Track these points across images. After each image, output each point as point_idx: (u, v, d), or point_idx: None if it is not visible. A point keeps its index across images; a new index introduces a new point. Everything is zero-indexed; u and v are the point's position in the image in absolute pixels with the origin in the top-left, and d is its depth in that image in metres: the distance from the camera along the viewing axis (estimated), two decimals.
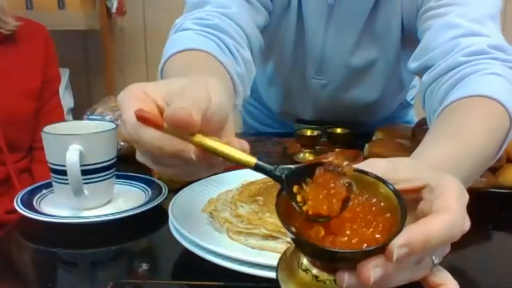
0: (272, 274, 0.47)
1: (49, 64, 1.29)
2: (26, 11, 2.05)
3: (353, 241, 0.36)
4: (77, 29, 2.17)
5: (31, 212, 0.65)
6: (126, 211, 0.65)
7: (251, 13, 0.81)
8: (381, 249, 0.34)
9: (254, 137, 1.13)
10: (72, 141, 0.65)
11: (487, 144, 0.57)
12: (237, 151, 0.41)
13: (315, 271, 0.38)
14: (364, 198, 0.38)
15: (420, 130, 0.92)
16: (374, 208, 0.38)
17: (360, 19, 0.91)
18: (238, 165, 0.41)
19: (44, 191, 0.74)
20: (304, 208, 0.38)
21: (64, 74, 2.13)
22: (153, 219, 0.67)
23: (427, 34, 0.77)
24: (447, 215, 0.36)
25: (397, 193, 0.37)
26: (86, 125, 0.73)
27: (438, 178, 0.39)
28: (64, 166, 0.64)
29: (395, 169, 0.40)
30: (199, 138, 0.40)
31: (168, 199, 0.65)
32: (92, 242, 0.63)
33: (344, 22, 0.92)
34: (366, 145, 0.91)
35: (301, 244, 0.37)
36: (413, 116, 1.25)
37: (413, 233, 0.34)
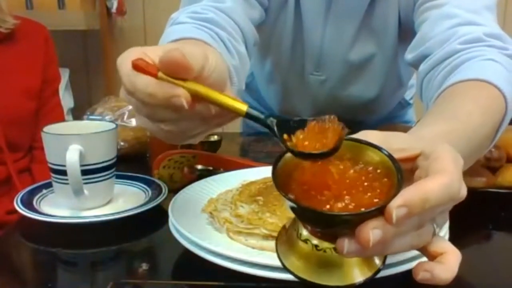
0: (272, 274, 0.47)
1: (49, 64, 1.29)
2: (26, 11, 2.05)
3: (351, 206, 0.35)
4: (77, 29, 2.17)
5: (31, 212, 0.65)
6: (126, 211, 0.65)
7: (246, 8, 0.82)
8: (380, 211, 0.34)
9: (254, 137, 1.13)
10: (72, 141, 0.65)
11: (482, 125, 0.57)
12: (229, 98, 0.41)
13: (315, 241, 0.38)
14: (359, 167, 0.38)
15: None
16: (370, 174, 0.37)
17: (358, 14, 0.91)
18: (228, 111, 0.42)
19: (44, 191, 0.74)
20: (289, 144, 0.39)
21: (64, 74, 2.14)
22: (153, 219, 0.67)
23: (424, 25, 0.78)
24: (443, 175, 0.36)
25: (392, 157, 0.37)
26: (86, 125, 0.73)
27: (432, 145, 0.39)
28: (64, 166, 0.64)
29: (388, 141, 0.40)
30: (191, 84, 0.41)
31: (168, 199, 0.65)
32: (92, 242, 0.63)
33: (342, 17, 0.92)
34: None
35: (300, 211, 0.37)
36: (413, 115, 1.25)
37: (410, 193, 0.34)
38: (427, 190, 0.34)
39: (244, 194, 0.62)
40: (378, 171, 0.38)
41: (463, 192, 0.38)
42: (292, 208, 0.37)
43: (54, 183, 0.69)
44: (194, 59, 0.41)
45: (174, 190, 0.67)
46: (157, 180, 0.75)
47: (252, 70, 1.18)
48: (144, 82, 0.41)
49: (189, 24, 0.73)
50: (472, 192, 0.70)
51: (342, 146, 0.39)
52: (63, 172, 0.65)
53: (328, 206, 0.35)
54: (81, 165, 0.64)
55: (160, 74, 0.41)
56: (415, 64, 0.78)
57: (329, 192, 0.36)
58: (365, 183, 0.37)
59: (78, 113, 2.13)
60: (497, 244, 0.67)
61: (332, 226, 0.36)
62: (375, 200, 0.35)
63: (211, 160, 0.82)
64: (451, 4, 0.76)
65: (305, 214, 0.37)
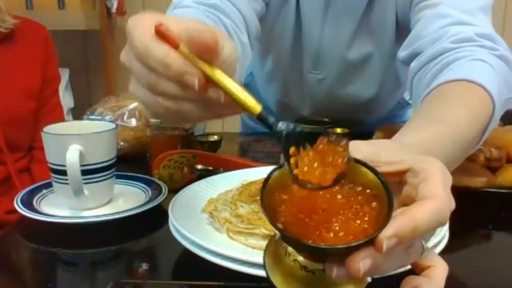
0: None
1: (48, 64, 1.29)
2: (26, 11, 2.05)
3: (340, 234, 0.35)
4: (77, 29, 2.17)
5: (31, 212, 0.65)
6: (126, 211, 0.65)
7: None
8: (369, 242, 0.34)
9: (254, 137, 1.13)
10: (72, 141, 0.65)
11: (470, 128, 0.57)
12: (245, 93, 0.39)
13: (304, 262, 0.37)
14: (348, 187, 0.37)
15: None
16: (360, 197, 0.37)
17: (356, 13, 0.92)
18: (240, 106, 0.39)
19: (44, 191, 0.74)
20: (295, 171, 0.37)
21: (64, 74, 2.13)
22: (153, 219, 0.67)
23: (418, 24, 0.78)
24: (434, 201, 0.35)
25: (385, 183, 0.36)
26: (86, 125, 0.73)
27: (421, 162, 0.38)
28: (64, 166, 0.64)
29: (377, 153, 0.40)
30: (210, 67, 0.39)
31: (168, 199, 0.65)
32: (92, 242, 0.63)
33: (340, 16, 0.92)
34: None
35: (288, 241, 0.36)
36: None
37: (401, 223, 0.34)
38: (417, 219, 0.34)
39: (244, 194, 0.62)
40: (368, 191, 0.37)
41: (452, 205, 0.37)
42: (281, 237, 0.36)
43: (54, 183, 0.69)
44: (220, 40, 0.39)
45: (174, 190, 0.67)
46: (157, 180, 0.75)
47: (252, 70, 1.18)
48: (163, 51, 0.38)
49: (193, 8, 0.72)
50: (472, 192, 0.70)
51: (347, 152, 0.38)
52: (63, 172, 0.65)
53: (317, 232, 0.35)
54: (81, 165, 0.64)
55: (182, 47, 0.38)
56: (407, 62, 0.78)
57: (317, 216, 0.36)
58: (355, 207, 0.36)
59: (78, 113, 2.13)
60: (497, 244, 0.67)
61: (321, 256, 0.36)
62: (365, 226, 0.35)
63: (211, 160, 0.82)
64: (446, 4, 0.76)
65: (294, 244, 0.36)
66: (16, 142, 1.21)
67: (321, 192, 0.37)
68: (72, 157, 0.64)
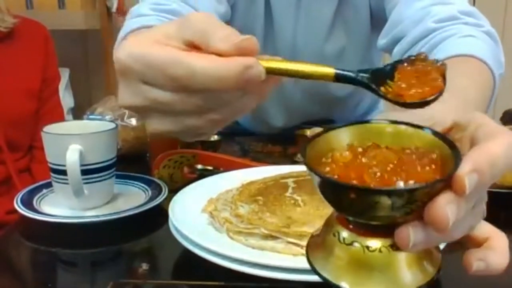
0: (272, 274, 0.47)
1: (48, 63, 1.29)
2: (26, 11, 2.05)
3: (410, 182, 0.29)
4: (77, 29, 2.17)
5: (31, 212, 0.65)
6: (126, 211, 0.65)
7: (212, 2, 0.78)
8: (446, 184, 0.28)
9: (254, 137, 1.13)
10: (72, 141, 0.65)
11: (479, 102, 0.55)
12: (309, 64, 0.36)
13: (366, 241, 0.30)
14: (397, 148, 0.32)
15: None
16: (414, 155, 0.31)
17: (330, 4, 0.90)
18: (315, 78, 0.36)
19: (44, 191, 0.74)
20: (390, 95, 0.34)
21: (64, 74, 2.13)
22: (153, 219, 0.67)
23: (395, 10, 0.77)
24: (502, 136, 0.30)
25: (438, 134, 0.32)
26: (86, 125, 0.73)
27: (465, 116, 0.34)
28: (64, 166, 0.64)
29: (411, 119, 0.35)
30: (263, 61, 0.34)
31: (168, 199, 0.65)
32: (92, 242, 0.63)
33: (314, 9, 0.91)
34: None
35: (341, 195, 0.29)
36: (383, 106, 1.22)
37: (478, 156, 0.29)
38: (494, 152, 0.29)
39: (244, 194, 0.62)
40: (420, 150, 0.31)
41: None
42: (331, 194, 0.30)
43: (54, 183, 0.69)
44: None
45: (174, 190, 0.67)
46: (157, 180, 0.75)
47: None
48: (208, 60, 0.32)
49: (151, 16, 0.68)
50: None
51: (366, 134, 0.33)
52: (63, 172, 0.65)
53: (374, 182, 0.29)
54: (81, 165, 0.64)
55: None
56: (388, 48, 0.77)
57: (372, 176, 0.29)
58: (414, 160, 0.30)
59: (78, 113, 2.13)
60: None
61: (390, 211, 0.28)
62: (433, 174, 0.29)
63: (211, 160, 0.82)
64: None
65: (352, 198, 0.28)
66: (16, 141, 1.21)
67: (371, 154, 0.31)
68: (72, 157, 0.64)
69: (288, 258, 0.50)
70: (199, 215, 0.60)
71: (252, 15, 0.92)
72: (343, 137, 0.33)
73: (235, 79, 0.32)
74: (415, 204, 0.28)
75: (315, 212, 0.56)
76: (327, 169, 0.31)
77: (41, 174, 1.17)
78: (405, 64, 0.36)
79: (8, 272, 0.58)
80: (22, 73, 1.23)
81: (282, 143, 0.99)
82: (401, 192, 0.27)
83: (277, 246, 0.52)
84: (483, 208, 0.32)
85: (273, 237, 0.53)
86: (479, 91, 0.55)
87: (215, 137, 0.94)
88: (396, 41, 0.74)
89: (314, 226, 0.52)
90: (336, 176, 0.30)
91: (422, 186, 0.27)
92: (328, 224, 0.33)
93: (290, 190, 0.62)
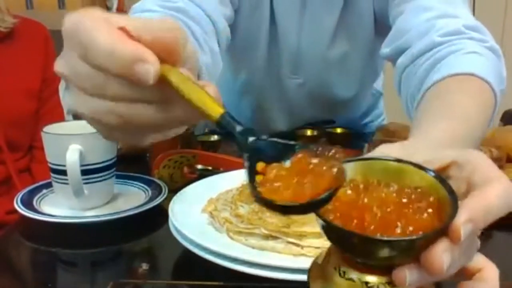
0: (272, 274, 0.47)
1: (49, 63, 1.29)
2: (26, 11, 2.05)
3: (405, 229, 0.30)
4: None
5: (31, 212, 0.65)
6: (126, 211, 0.65)
7: (217, 3, 0.77)
8: (441, 233, 0.30)
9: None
10: (72, 141, 0.65)
11: (479, 122, 0.56)
12: (207, 95, 0.31)
13: (366, 277, 0.32)
14: (394, 189, 0.33)
15: None
16: (413, 196, 0.32)
17: (334, 9, 0.90)
18: (199, 112, 0.32)
19: (44, 191, 0.74)
20: (261, 189, 0.30)
21: None
22: (153, 219, 0.67)
23: (400, 19, 0.77)
24: (500, 182, 0.32)
25: (436, 175, 0.33)
26: (86, 125, 0.72)
27: (463, 154, 0.36)
28: (64, 166, 0.64)
29: (410, 153, 0.37)
30: (167, 68, 0.31)
31: (168, 199, 0.65)
32: (92, 242, 0.63)
33: (319, 14, 0.91)
34: (366, 145, 0.91)
35: (347, 238, 0.30)
36: (382, 105, 1.23)
37: (474, 206, 0.30)
38: (489, 202, 0.31)
39: (244, 194, 0.62)
40: (419, 190, 0.33)
41: None
42: (335, 237, 0.31)
43: (54, 183, 0.69)
44: (180, 40, 0.33)
45: (174, 190, 0.67)
46: (157, 180, 0.75)
47: (221, 85, 1.14)
48: (113, 37, 0.31)
49: (158, 12, 0.67)
50: None
51: (368, 170, 0.34)
52: (63, 172, 0.65)
53: (377, 233, 0.30)
54: (81, 165, 0.64)
55: None
56: (392, 57, 0.77)
57: (371, 218, 0.31)
58: (412, 204, 0.32)
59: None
60: (497, 244, 0.67)
61: (388, 259, 0.30)
62: (429, 220, 0.31)
63: (211, 160, 0.82)
64: None
65: (356, 245, 0.30)
66: (16, 141, 1.21)
67: (373, 194, 0.32)
68: (72, 157, 0.64)
69: (288, 258, 0.50)
70: (199, 215, 0.60)
71: (256, 20, 0.92)
72: (347, 171, 0.33)
73: (122, 63, 0.31)
74: (412, 250, 0.30)
75: None
76: (330, 206, 0.32)
77: (41, 174, 1.17)
78: (302, 152, 0.32)
79: (8, 272, 0.58)
80: (22, 73, 1.23)
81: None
82: (401, 242, 0.29)
83: (277, 246, 0.52)
84: (476, 245, 0.34)
85: (273, 237, 0.53)
86: (480, 110, 0.57)
87: (215, 137, 0.94)
88: (400, 51, 0.74)
89: (314, 226, 0.52)
90: (338, 214, 0.31)
91: (421, 237, 0.29)
92: (329, 255, 0.34)
93: None
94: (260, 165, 0.32)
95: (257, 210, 0.57)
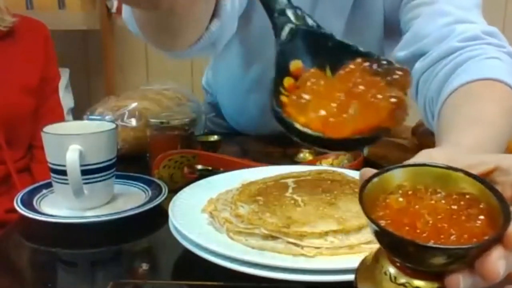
0: (272, 274, 0.47)
1: (48, 62, 1.29)
2: (26, 11, 2.05)
3: (458, 238, 0.30)
4: (77, 29, 2.17)
5: (31, 212, 0.65)
6: (126, 211, 0.65)
7: None
8: (497, 240, 0.30)
9: (254, 137, 1.13)
10: (72, 141, 0.65)
11: (505, 126, 0.57)
12: None
13: (416, 282, 0.32)
14: (441, 195, 0.33)
15: (419, 130, 0.92)
16: (462, 202, 0.33)
17: (343, 11, 0.90)
18: None
19: (44, 191, 0.74)
20: (284, 99, 0.25)
21: (64, 74, 2.13)
22: (153, 219, 0.67)
23: (416, 22, 0.77)
24: None
25: (484, 181, 0.33)
26: (86, 125, 0.73)
27: (505, 159, 0.36)
28: (64, 166, 0.64)
29: (454, 159, 0.37)
30: None
31: (168, 199, 0.65)
32: (92, 242, 0.63)
33: (328, 15, 0.91)
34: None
35: (399, 245, 0.30)
36: None
37: None
38: None
39: (244, 194, 0.62)
40: (467, 196, 0.33)
41: None
42: (387, 242, 0.31)
43: (54, 183, 0.69)
44: None
45: (174, 190, 0.67)
46: (157, 180, 0.75)
47: (228, 84, 1.14)
48: None
49: None
50: None
51: (415, 176, 0.34)
52: (63, 172, 0.65)
53: (430, 241, 0.30)
54: (81, 165, 0.64)
55: None
56: (409, 61, 0.77)
57: (424, 225, 0.31)
58: (462, 211, 0.32)
59: (78, 113, 2.12)
60: None
61: (439, 266, 0.30)
62: (481, 228, 0.31)
63: (211, 160, 0.82)
64: (443, 2, 0.75)
65: (410, 250, 0.30)
66: (15, 139, 1.21)
67: (424, 201, 0.33)
68: (72, 157, 0.64)
69: (288, 258, 0.50)
70: (199, 215, 0.60)
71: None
72: (396, 177, 0.34)
73: None
74: (467, 257, 0.30)
75: (315, 212, 0.56)
76: (381, 213, 0.32)
77: (41, 174, 1.17)
78: (364, 64, 0.28)
79: (8, 272, 0.58)
80: (22, 71, 1.23)
81: (282, 143, 0.99)
82: (458, 251, 0.29)
83: (277, 246, 0.52)
84: None
85: (273, 237, 0.53)
86: (504, 115, 0.57)
87: (215, 137, 0.94)
88: (418, 55, 0.74)
89: (314, 226, 0.52)
90: (389, 221, 0.32)
91: (478, 245, 0.29)
92: (378, 259, 0.34)
93: (290, 190, 0.62)
94: (295, 64, 0.27)
95: (257, 210, 0.57)
